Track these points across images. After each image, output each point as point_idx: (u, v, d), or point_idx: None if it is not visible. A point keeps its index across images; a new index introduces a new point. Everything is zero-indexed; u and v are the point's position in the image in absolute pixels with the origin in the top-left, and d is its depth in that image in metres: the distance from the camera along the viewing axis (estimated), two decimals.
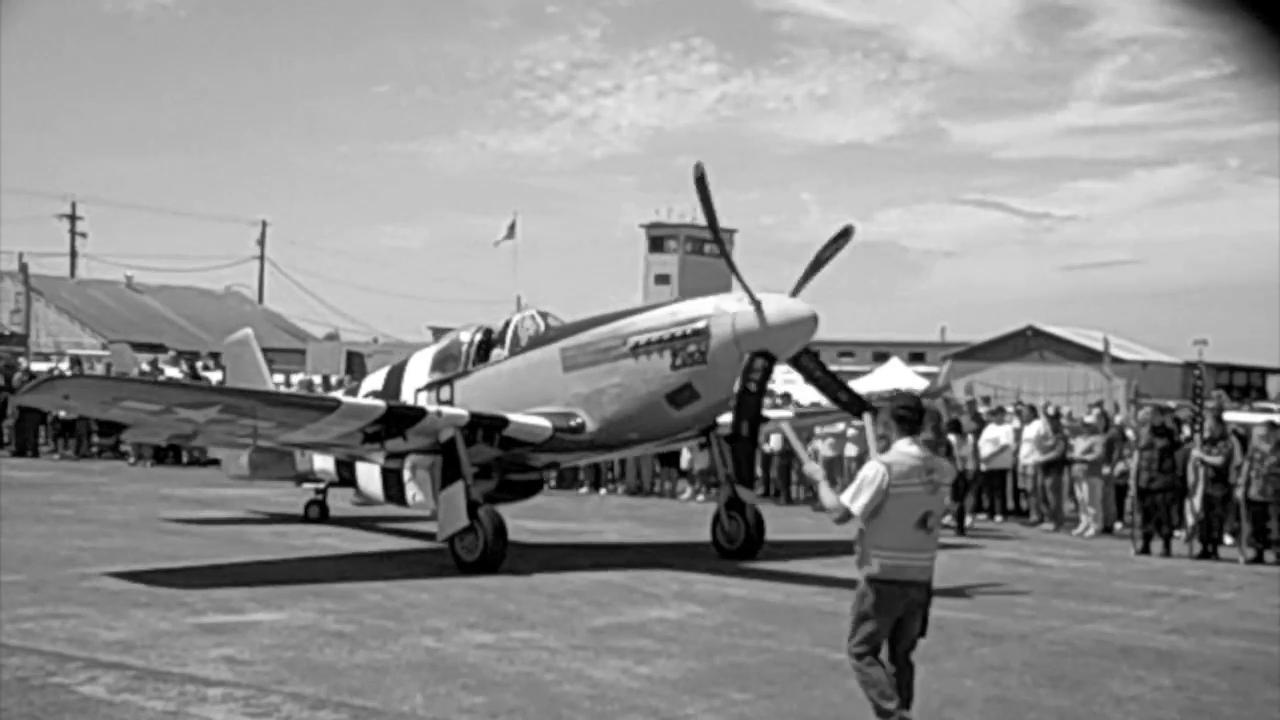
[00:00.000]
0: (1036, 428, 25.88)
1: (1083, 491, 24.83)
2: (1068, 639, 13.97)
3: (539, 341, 18.84)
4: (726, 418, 18.56)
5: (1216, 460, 21.51)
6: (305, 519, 22.46)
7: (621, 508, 26.81)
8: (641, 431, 18.48)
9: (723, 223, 17.85)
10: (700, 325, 17.32)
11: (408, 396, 19.78)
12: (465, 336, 20.02)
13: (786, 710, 10.45)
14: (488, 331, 19.74)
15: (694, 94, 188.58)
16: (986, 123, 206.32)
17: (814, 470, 9.82)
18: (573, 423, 18.09)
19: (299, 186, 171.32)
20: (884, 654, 9.03)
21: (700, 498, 28.83)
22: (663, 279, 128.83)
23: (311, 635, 12.63)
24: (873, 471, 8.83)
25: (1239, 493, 21.39)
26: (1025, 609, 15.71)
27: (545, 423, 18.06)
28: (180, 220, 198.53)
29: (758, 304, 16.99)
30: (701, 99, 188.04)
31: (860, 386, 30.53)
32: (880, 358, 77.87)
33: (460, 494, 17.27)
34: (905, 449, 8.94)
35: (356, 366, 51.88)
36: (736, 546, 19.38)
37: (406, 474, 19.06)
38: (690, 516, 25.55)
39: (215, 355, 43.03)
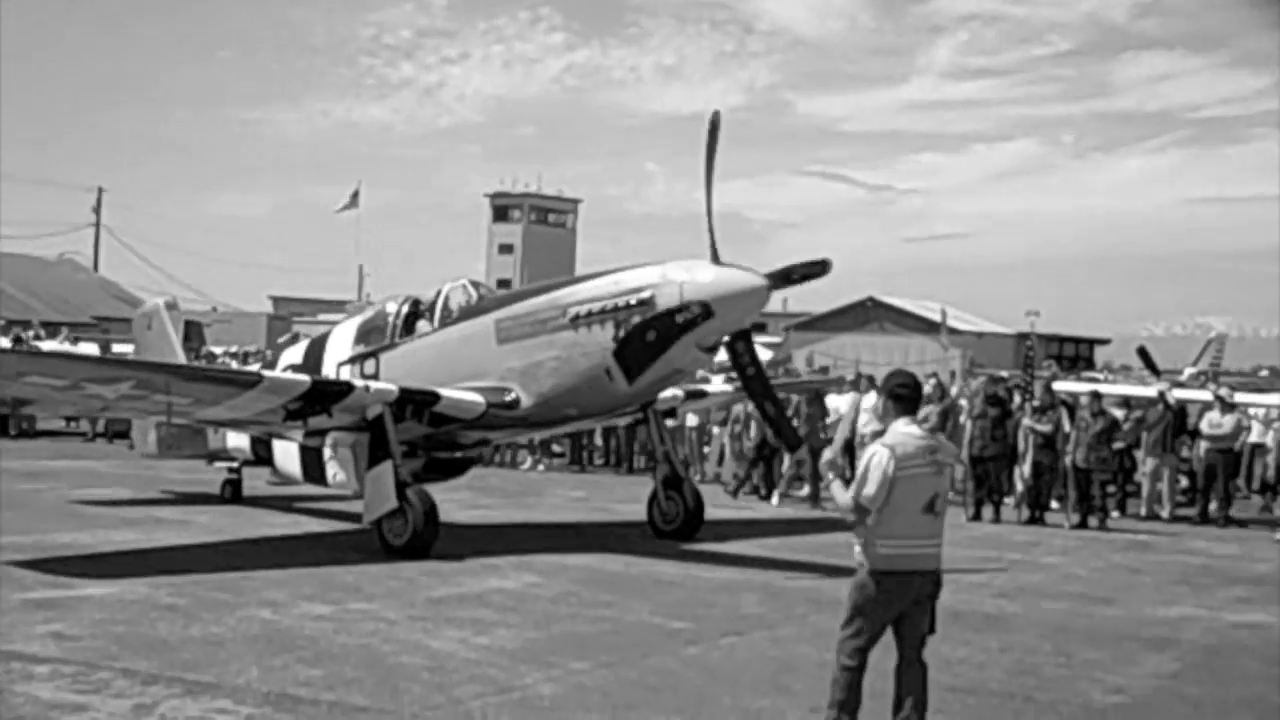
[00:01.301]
0: (874, 398, 26.25)
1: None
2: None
3: (471, 313, 17.92)
4: (666, 393, 18.62)
5: (1045, 429, 22.08)
6: (220, 499, 21.52)
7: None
8: (580, 407, 17.62)
9: (565, 193, 17.61)
10: (645, 295, 16.32)
11: (330, 371, 18.83)
12: (391, 307, 19.02)
13: (625, 679, 10.52)
14: (415, 302, 18.73)
15: (540, 63, 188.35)
16: (831, 95, 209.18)
17: (830, 464, 8.88)
18: (506, 398, 17.19)
19: (137, 152, 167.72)
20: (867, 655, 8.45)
21: (541, 468, 28.91)
22: (506, 249, 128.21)
23: (144, 609, 12.41)
24: (876, 456, 8.13)
25: (1066, 460, 22.02)
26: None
27: (479, 398, 17.19)
28: (11, 186, 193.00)
29: (720, 262, 16.15)
30: (548, 68, 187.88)
31: None
32: None
33: (389, 474, 16.39)
34: (905, 429, 8.32)
35: (195, 336, 50.95)
36: (675, 526, 18.76)
37: (327, 452, 18.13)
38: (530, 486, 25.64)
39: (47, 325, 41.98)
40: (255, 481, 21.79)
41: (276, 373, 17.83)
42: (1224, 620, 13.87)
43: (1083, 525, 21.52)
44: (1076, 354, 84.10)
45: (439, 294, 18.41)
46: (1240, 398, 25.60)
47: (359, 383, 17.06)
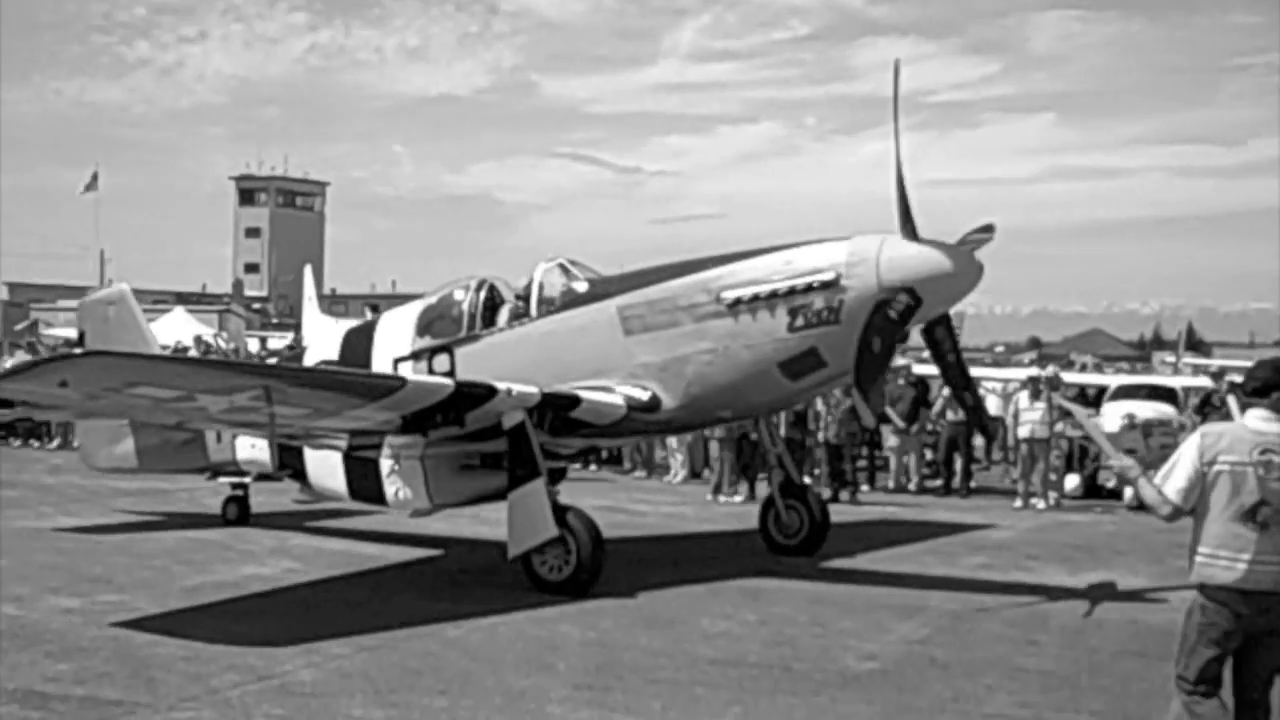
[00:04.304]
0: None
1: (673, 439, 25.57)
2: (660, 582, 14.41)
3: (581, 299, 15.18)
4: None
5: (796, 406, 22.50)
6: (224, 520, 18.27)
7: None
8: (738, 408, 15.37)
9: (312, 175, 16.08)
10: (828, 276, 13.88)
11: (383, 367, 15.79)
12: (461, 294, 15.90)
13: (387, 662, 10.46)
14: (491, 287, 15.95)
15: (282, 43, 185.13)
16: (577, 77, 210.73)
17: (1127, 466, 7.57)
18: (645, 398, 14.62)
19: None
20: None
21: None
22: (253, 232, 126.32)
23: None
24: (1187, 446, 7.07)
25: (819, 435, 22.54)
26: (621, 554, 16.09)
27: (619, 400, 14.55)
28: None
29: (918, 241, 13.78)
30: (290, 49, 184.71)
31: None
32: None
33: (540, 495, 13.70)
34: (1244, 420, 7.14)
35: None
36: (797, 540, 16.65)
37: (386, 464, 15.03)
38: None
39: None
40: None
41: (422, 378, 14.51)
42: (968, 586, 14.36)
43: (835, 499, 22.03)
44: None
45: (530, 277, 15.58)
46: (977, 372, 26.48)
47: (501, 386, 13.88)
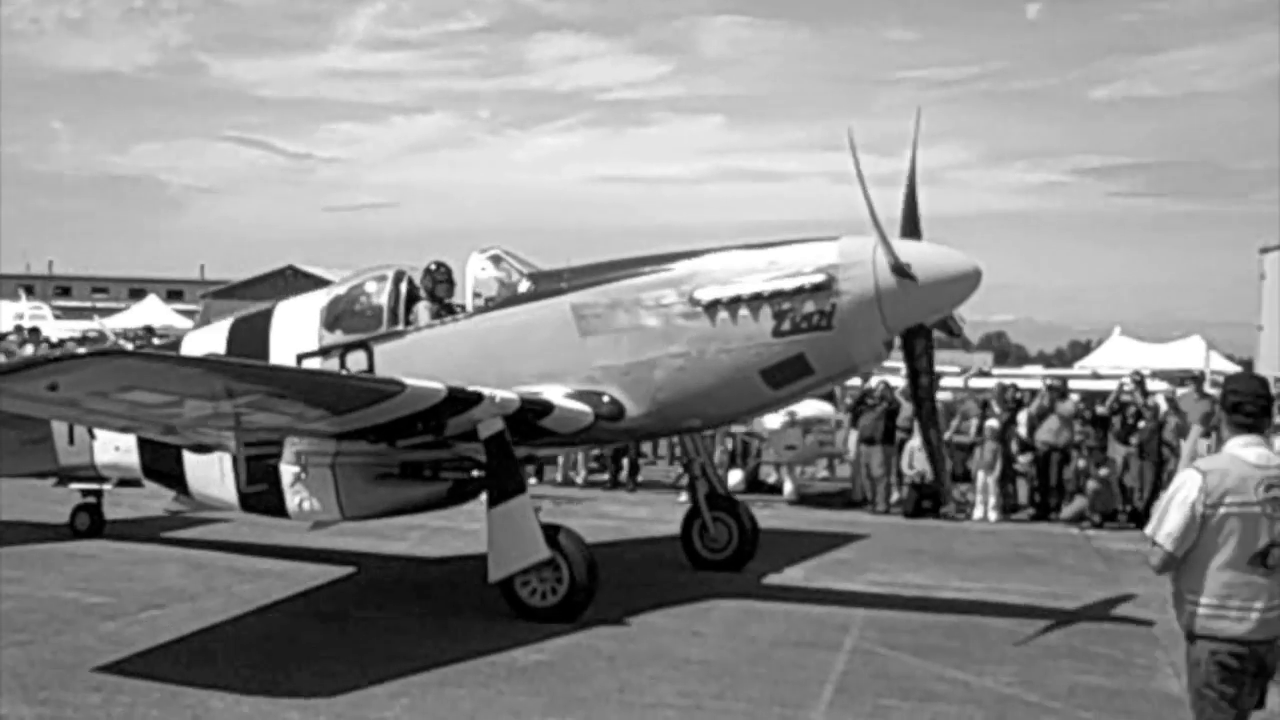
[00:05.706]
0: None
1: None
2: (329, 578, 14.28)
3: (530, 294, 13.67)
4: None
5: None
6: (73, 531, 16.34)
7: None
8: (710, 416, 14.13)
9: None
10: (819, 278, 12.72)
11: (284, 363, 13.95)
12: (376, 286, 14.19)
13: (36, 657, 10.16)
14: (410, 280, 14.24)
15: None
16: (247, 59, 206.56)
17: None
18: (609, 406, 13.24)
19: None
20: None
21: None
22: None
23: None
24: (1183, 485, 6.44)
25: None
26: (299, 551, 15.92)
27: (586, 408, 13.18)
28: None
29: (898, 261, 12.45)
30: None
31: (117, 323, 29.56)
32: (137, 294, 76.21)
33: (528, 512, 12.55)
34: (1237, 452, 6.49)
35: None
36: (724, 555, 15.76)
37: (289, 471, 13.35)
38: None
39: None
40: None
41: (416, 381, 12.20)
42: (633, 579, 14.63)
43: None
44: None
45: (442, 268, 14.29)
46: None
47: (486, 391, 12.45)
